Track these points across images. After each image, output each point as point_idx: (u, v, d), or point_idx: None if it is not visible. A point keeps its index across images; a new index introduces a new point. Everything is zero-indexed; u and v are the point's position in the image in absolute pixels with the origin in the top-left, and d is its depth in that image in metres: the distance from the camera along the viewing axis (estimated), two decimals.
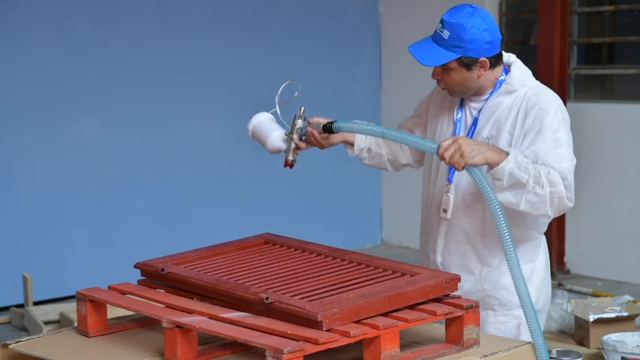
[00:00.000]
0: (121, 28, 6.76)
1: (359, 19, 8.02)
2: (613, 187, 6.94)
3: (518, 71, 3.12)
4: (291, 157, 3.19)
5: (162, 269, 3.01)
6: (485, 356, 2.69)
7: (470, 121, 3.15)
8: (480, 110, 3.12)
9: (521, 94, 3.08)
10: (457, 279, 2.85)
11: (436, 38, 3.03)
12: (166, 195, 7.02)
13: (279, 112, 3.25)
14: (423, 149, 2.95)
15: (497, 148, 2.93)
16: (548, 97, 3.05)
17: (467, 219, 3.14)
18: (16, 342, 2.87)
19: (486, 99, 3.12)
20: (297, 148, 3.20)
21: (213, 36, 7.18)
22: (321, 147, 3.25)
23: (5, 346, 2.87)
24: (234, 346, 2.71)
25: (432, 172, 3.25)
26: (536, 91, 3.08)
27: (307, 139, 3.20)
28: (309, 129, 3.19)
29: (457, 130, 3.15)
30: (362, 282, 2.81)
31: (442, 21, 3.02)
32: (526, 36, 7.58)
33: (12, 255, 6.40)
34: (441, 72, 3.06)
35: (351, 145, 3.32)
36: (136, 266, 3.14)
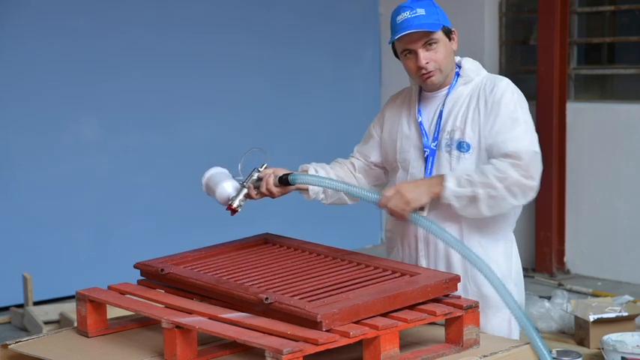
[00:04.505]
0: (121, 29, 6.76)
1: (359, 19, 8.02)
2: (613, 187, 6.94)
3: (471, 64, 3.19)
4: (236, 203, 3.12)
5: (162, 269, 3.01)
6: (485, 356, 2.69)
7: (432, 116, 3.16)
8: (444, 104, 3.15)
9: (477, 83, 3.14)
10: (457, 279, 2.85)
11: (409, 22, 3.06)
12: (166, 195, 7.02)
13: (241, 175, 3.18)
14: (366, 200, 3.02)
15: (434, 178, 3.00)
16: (503, 82, 3.11)
17: (444, 221, 3.09)
18: (16, 342, 2.87)
19: (446, 94, 3.16)
20: (248, 195, 3.16)
21: (212, 36, 7.18)
22: (273, 196, 3.19)
23: (5, 346, 2.87)
24: (234, 346, 2.71)
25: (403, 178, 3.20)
26: (490, 78, 3.15)
27: (260, 187, 3.14)
28: (265, 177, 3.14)
29: (423, 130, 3.15)
30: (362, 282, 2.81)
31: (407, 7, 3.07)
32: (526, 36, 7.57)
33: (12, 255, 6.40)
34: (429, 54, 3.08)
35: (306, 190, 3.26)
36: (135, 266, 3.14)
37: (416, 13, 3.06)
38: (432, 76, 3.12)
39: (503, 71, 7.40)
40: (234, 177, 3.20)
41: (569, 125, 7.09)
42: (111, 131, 6.78)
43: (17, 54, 6.37)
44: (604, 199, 6.99)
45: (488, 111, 3.06)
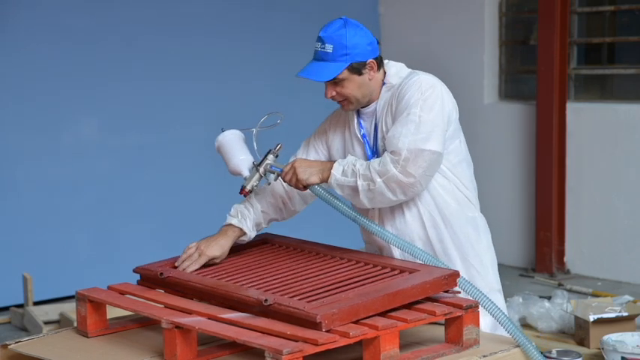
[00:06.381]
0: (121, 30, 6.75)
1: (359, 20, 8.00)
2: (613, 187, 6.93)
3: (393, 68, 3.18)
4: (249, 187, 3.19)
5: (161, 273, 3.01)
6: (484, 356, 2.69)
7: (370, 130, 3.18)
8: (376, 117, 3.15)
9: (397, 86, 3.13)
10: (456, 274, 2.85)
11: (320, 56, 3.11)
12: (166, 195, 7.02)
13: (255, 141, 3.22)
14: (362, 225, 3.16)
15: (328, 163, 3.07)
16: (413, 79, 3.08)
17: (404, 222, 3.15)
18: (16, 342, 2.88)
19: (376, 107, 3.16)
20: (259, 180, 3.20)
21: (212, 37, 7.17)
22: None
23: (5, 346, 2.88)
24: (234, 346, 2.71)
25: None
26: (408, 78, 3.12)
27: (276, 177, 3.17)
28: (287, 174, 3.12)
29: (366, 146, 3.18)
30: (361, 280, 2.81)
31: (320, 38, 3.13)
32: (526, 36, 7.57)
33: (12, 255, 6.40)
34: (334, 87, 3.11)
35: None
36: (135, 270, 3.14)
37: (324, 48, 3.10)
38: (344, 105, 3.17)
39: (503, 71, 7.39)
40: (246, 141, 3.24)
41: (569, 125, 7.09)
42: (111, 131, 6.78)
43: (17, 54, 6.37)
44: (604, 199, 6.98)
45: (396, 113, 3.07)
